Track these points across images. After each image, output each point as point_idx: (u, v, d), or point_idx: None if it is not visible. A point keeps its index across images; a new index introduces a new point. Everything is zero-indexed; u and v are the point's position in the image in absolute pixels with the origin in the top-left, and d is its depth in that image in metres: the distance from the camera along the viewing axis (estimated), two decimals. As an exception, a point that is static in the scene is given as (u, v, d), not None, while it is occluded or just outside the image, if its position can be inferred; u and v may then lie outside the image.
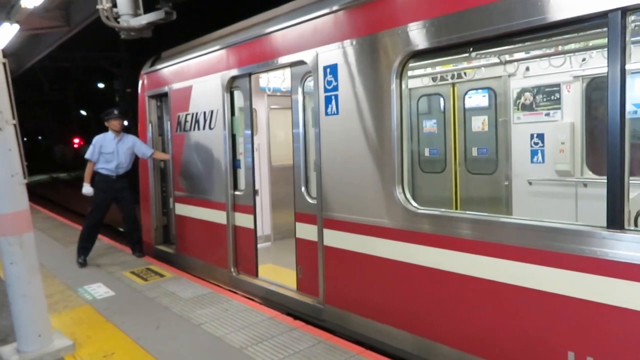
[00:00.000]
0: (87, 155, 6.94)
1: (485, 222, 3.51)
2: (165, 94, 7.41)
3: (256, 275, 5.79)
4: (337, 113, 4.50)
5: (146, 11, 6.49)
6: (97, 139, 7.00)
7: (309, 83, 5.01)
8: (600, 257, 2.89)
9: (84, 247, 7.00)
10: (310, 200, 5.01)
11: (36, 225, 5.39)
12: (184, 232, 7.18)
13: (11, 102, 3.95)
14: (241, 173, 6.16)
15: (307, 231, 5.05)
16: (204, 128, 6.47)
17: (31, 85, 35.53)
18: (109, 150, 6.92)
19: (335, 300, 4.67)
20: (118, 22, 6.60)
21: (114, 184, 6.98)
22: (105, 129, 7.10)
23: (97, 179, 6.98)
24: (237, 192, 6.04)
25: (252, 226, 5.77)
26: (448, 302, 3.72)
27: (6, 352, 4.08)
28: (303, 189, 5.09)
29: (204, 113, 6.44)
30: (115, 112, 7.12)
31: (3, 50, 4.07)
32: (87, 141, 6.87)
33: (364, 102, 4.26)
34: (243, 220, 5.91)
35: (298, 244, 5.19)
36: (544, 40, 4.75)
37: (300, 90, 5.12)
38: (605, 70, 2.90)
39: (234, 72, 5.84)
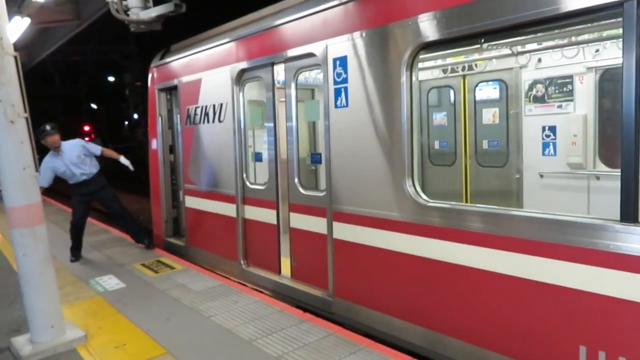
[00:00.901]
0: (39, 184, 6.55)
1: (495, 215, 3.48)
2: (175, 87, 7.42)
3: (279, 272, 5.67)
4: (347, 105, 4.48)
5: (155, 4, 6.50)
6: (46, 164, 6.59)
7: (301, 77, 5.23)
8: (613, 250, 2.86)
9: (72, 248, 7.02)
10: (303, 191, 5.13)
11: (49, 218, 5.44)
12: (194, 225, 7.21)
13: (23, 96, 3.98)
14: (262, 166, 6.12)
15: (300, 221, 5.19)
16: (213, 121, 6.48)
17: (42, 79, 35.83)
18: (62, 170, 6.67)
19: (345, 293, 4.68)
20: (128, 15, 6.62)
21: (88, 187, 6.90)
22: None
23: (74, 185, 6.92)
24: (256, 186, 5.93)
25: (274, 221, 5.64)
26: (458, 295, 3.70)
27: (20, 342, 4.14)
28: (296, 180, 5.21)
29: (214, 106, 6.44)
30: (48, 127, 6.50)
31: (14, 44, 4.09)
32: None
33: (374, 95, 4.23)
34: (264, 215, 5.78)
35: (292, 234, 5.33)
36: (556, 31, 4.68)
37: (293, 84, 5.21)
38: (619, 61, 2.86)
39: (243, 64, 5.82)
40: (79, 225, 6.98)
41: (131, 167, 7.28)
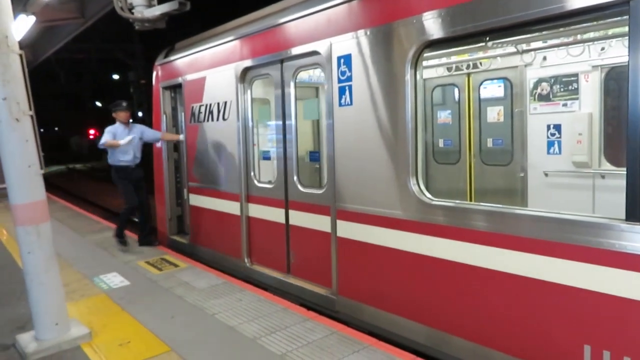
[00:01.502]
0: (102, 141, 6.98)
1: (500, 214, 3.47)
2: (179, 85, 7.43)
3: (288, 271, 5.59)
4: (351, 104, 4.47)
5: (160, 2, 6.50)
6: (110, 129, 7.12)
7: (301, 76, 5.33)
8: (618, 249, 2.84)
9: (120, 232, 7.40)
10: (302, 189, 5.18)
11: (53, 215, 5.47)
12: (198, 223, 7.22)
13: (28, 94, 3.99)
14: (269, 164, 6.12)
15: (299, 218, 5.23)
16: (217, 119, 6.48)
17: (47, 77, 35.92)
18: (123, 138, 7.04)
19: (348, 292, 4.67)
20: (132, 13, 6.62)
21: (133, 173, 7.20)
22: (113, 121, 7.25)
23: (116, 169, 7.13)
24: (264, 185, 5.88)
25: (282, 220, 5.56)
26: (462, 294, 3.70)
27: (25, 339, 4.16)
28: (295, 178, 5.25)
29: (218, 104, 6.44)
30: (124, 104, 7.29)
31: (19, 42, 4.10)
32: (103, 132, 6.94)
33: (378, 93, 4.22)
34: (272, 213, 5.73)
35: (291, 231, 5.37)
36: (562, 29, 4.66)
37: (292, 84, 5.24)
38: (625, 59, 2.84)
39: (248, 62, 5.82)
40: (135, 209, 7.32)
41: None
